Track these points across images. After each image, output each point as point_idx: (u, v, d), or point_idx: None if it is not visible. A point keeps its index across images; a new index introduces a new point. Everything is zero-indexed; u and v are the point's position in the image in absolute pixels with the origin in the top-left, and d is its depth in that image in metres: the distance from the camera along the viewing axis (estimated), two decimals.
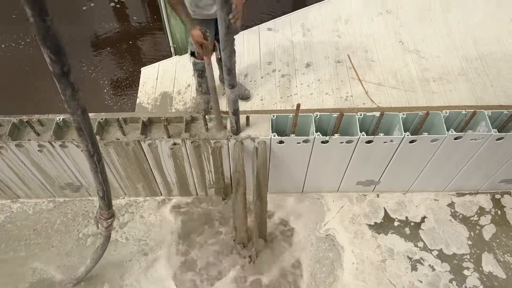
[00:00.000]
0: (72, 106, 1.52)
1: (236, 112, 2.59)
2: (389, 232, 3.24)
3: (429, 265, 3.10)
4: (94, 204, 3.40)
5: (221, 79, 3.81)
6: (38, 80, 4.39)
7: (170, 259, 3.10)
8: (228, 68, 2.29)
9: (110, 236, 2.54)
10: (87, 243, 3.19)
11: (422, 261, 3.11)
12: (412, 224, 3.28)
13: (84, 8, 5.06)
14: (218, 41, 3.25)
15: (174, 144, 2.80)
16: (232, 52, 2.19)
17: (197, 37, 2.74)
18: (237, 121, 2.67)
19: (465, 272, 3.06)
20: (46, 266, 3.09)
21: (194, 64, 3.35)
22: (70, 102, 1.50)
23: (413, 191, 3.42)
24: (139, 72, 4.11)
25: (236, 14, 2.36)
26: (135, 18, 5.08)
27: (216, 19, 3.01)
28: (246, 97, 3.78)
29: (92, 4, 5.12)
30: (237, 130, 2.73)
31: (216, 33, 3.20)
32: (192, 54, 3.29)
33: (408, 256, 3.13)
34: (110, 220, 2.34)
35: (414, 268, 3.08)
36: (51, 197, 3.41)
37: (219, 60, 3.47)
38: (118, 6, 5.12)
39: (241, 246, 3.09)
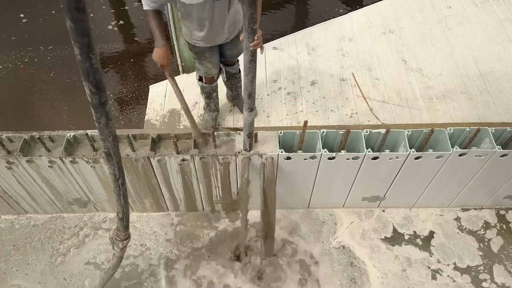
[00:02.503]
0: (104, 133, 1.63)
1: (250, 135, 2.67)
2: (403, 243, 3.28)
3: (448, 275, 3.14)
4: (83, 219, 3.42)
5: (228, 97, 3.88)
6: (42, 99, 4.47)
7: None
8: (249, 93, 2.36)
9: (122, 258, 2.55)
10: (57, 262, 3.20)
11: (440, 271, 3.16)
12: (422, 237, 3.31)
13: None
14: (227, 64, 3.35)
15: (183, 160, 2.84)
16: (254, 77, 2.26)
17: (157, 58, 2.74)
18: (251, 143, 2.75)
19: (484, 284, 3.10)
20: (26, 282, 3.11)
21: (202, 87, 3.45)
22: (104, 129, 1.61)
23: (418, 207, 3.45)
24: (147, 89, 4.18)
25: (258, 44, 2.49)
26: (142, 37, 5.18)
27: (218, 45, 3.12)
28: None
29: (92, 26, 5.23)
30: (250, 150, 2.82)
31: (222, 57, 3.29)
32: (200, 79, 3.37)
33: (426, 265, 3.17)
34: (125, 241, 2.37)
35: (434, 277, 3.12)
36: (58, 212, 3.44)
37: (226, 81, 3.55)
38: (116, 28, 5.24)
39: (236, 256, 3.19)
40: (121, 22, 5.31)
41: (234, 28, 3.02)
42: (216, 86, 3.51)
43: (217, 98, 3.64)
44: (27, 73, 4.70)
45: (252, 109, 2.48)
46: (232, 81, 3.56)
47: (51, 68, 4.72)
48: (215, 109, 3.66)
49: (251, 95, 2.38)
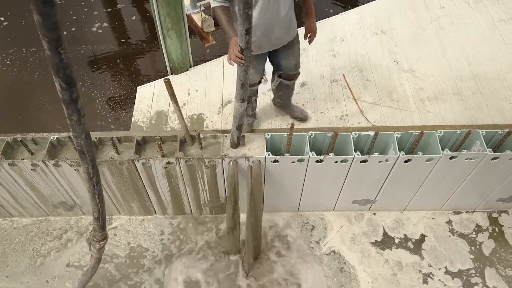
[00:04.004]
0: (77, 130, 1.60)
1: (239, 128, 2.58)
2: (393, 247, 3.24)
3: (439, 280, 3.09)
4: (69, 222, 3.37)
5: (276, 104, 3.83)
6: (27, 100, 4.42)
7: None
8: (242, 82, 2.24)
9: (101, 259, 2.49)
10: (37, 263, 3.16)
11: (432, 275, 3.11)
12: (413, 240, 3.26)
13: (65, 32, 5.12)
14: (286, 78, 3.33)
15: (168, 163, 2.79)
16: (248, 67, 2.14)
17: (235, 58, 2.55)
18: (239, 137, 2.66)
19: None
20: (8, 284, 3.07)
21: None
22: (76, 126, 1.58)
23: (410, 210, 3.40)
24: (135, 91, 4.12)
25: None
26: (127, 38, 5.13)
27: (267, 53, 3.10)
28: (306, 118, 3.77)
29: (73, 29, 5.18)
30: (237, 146, 2.73)
31: (278, 69, 3.30)
32: None
33: (417, 269, 3.13)
34: (103, 242, 2.32)
35: (425, 281, 3.08)
36: (44, 215, 3.38)
37: (277, 88, 3.53)
38: (100, 31, 5.19)
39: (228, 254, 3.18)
40: (105, 24, 5.25)
41: (287, 33, 2.98)
42: (257, 91, 3.44)
43: (256, 103, 3.58)
44: (10, 75, 4.66)
45: (243, 100, 2.36)
46: (286, 91, 3.52)
47: (34, 70, 4.68)
48: (252, 114, 3.62)
49: (244, 85, 2.25)
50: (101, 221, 2.17)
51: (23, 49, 4.90)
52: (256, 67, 3.14)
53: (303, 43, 3.15)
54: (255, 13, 2.72)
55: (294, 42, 3.10)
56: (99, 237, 2.28)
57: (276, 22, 2.82)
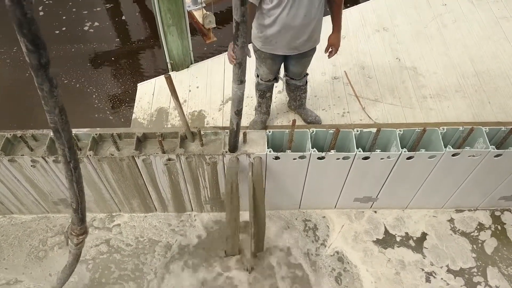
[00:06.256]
0: (49, 103, 1.37)
1: (239, 113, 2.43)
2: (395, 245, 3.22)
3: (442, 278, 3.07)
4: (69, 220, 3.33)
5: (290, 106, 3.83)
6: (22, 97, 4.40)
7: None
8: (239, 62, 2.07)
9: (79, 255, 2.33)
10: (39, 256, 3.16)
11: (434, 274, 3.09)
12: (415, 238, 3.24)
13: (57, 32, 5.12)
14: (293, 78, 3.34)
15: (169, 159, 2.77)
16: (245, 42, 1.98)
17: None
18: (238, 123, 2.51)
19: (478, 287, 3.04)
20: (8, 275, 3.09)
21: (258, 84, 3.39)
22: (47, 98, 1.36)
23: (412, 208, 3.38)
24: (136, 88, 4.10)
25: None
26: (120, 36, 5.11)
27: (282, 56, 3.08)
28: (319, 123, 3.75)
29: (64, 28, 5.17)
30: (236, 135, 2.60)
31: (285, 70, 3.32)
32: (257, 75, 3.33)
33: (419, 267, 3.11)
34: (81, 237, 2.10)
35: (428, 280, 3.06)
36: (44, 212, 3.36)
37: (288, 89, 3.53)
38: (91, 30, 5.17)
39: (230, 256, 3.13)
40: (96, 23, 5.23)
41: (307, 42, 2.98)
42: (272, 86, 3.44)
43: (270, 100, 3.58)
44: (2, 73, 4.65)
45: (242, 81, 2.18)
46: (297, 92, 3.51)
47: (26, 68, 4.66)
48: (265, 112, 3.61)
49: (241, 65, 2.07)
50: (80, 213, 1.93)
51: (14, 48, 4.89)
52: (270, 67, 3.16)
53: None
54: (283, 13, 2.74)
55: (310, 53, 3.13)
56: (77, 231, 2.06)
57: (299, 28, 2.82)
